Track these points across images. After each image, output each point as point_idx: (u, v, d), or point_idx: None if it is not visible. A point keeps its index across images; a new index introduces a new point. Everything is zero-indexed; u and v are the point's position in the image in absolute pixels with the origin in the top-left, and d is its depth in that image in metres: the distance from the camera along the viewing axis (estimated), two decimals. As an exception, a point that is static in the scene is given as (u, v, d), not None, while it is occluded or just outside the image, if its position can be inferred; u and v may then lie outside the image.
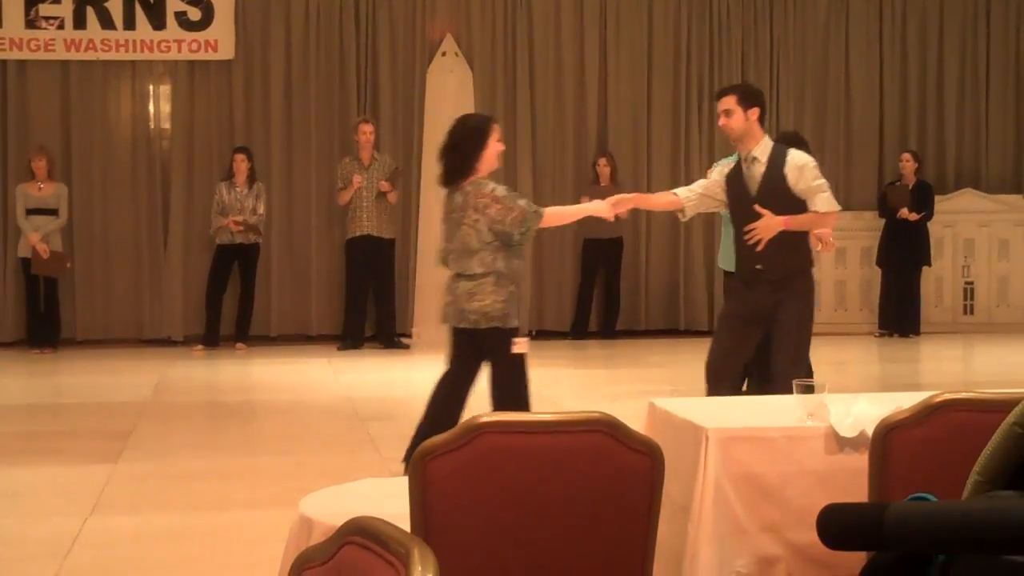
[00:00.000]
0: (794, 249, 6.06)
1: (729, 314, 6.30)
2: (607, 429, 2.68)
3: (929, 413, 2.99)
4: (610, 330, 13.27)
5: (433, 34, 13.35)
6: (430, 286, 13.16)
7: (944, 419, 2.94)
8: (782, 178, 6.01)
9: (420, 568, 1.54)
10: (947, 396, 3.00)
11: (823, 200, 6.03)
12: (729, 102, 6.19)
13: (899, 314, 13.29)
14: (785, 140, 7.50)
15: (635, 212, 13.58)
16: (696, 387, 8.63)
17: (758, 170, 6.09)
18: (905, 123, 14.24)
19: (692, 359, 8.24)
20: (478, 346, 6.06)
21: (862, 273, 13.74)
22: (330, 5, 13.15)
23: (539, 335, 13.34)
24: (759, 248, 5.96)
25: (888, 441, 3.01)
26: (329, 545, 1.81)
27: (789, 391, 3.88)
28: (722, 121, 6.21)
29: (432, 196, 13.20)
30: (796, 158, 6.08)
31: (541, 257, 13.48)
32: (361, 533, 1.72)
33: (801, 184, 6.00)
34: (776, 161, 6.08)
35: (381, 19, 13.22)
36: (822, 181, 6.10)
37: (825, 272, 13.69)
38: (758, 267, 6.03)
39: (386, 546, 1.63)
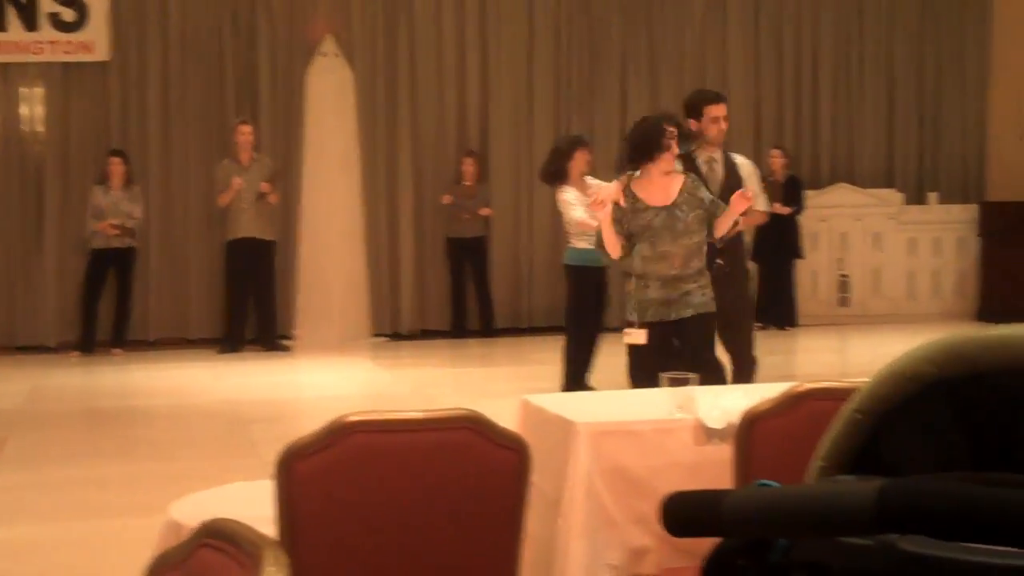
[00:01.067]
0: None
1: None
2: (473, 426, 2.69)
3: (791, 403, 3.05)
4: (488, 328, 13.29)
5: (313, 34, 13.25)
6: (312, 288, 13.11)
7: (805, 408, 3.00)
8: (739, 179, 6.39)
9: (272, 568, 1.54)
10: (807, 386, 3.06)
11: (762, 201, 6.48)
12: (724, 109, 6.76)
13: (775, 307, 13.51)
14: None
15: (518, 209, 13.65)
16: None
17: (719, 171, 6.42)
18: (781, 119, 14.48)
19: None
20: None
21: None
22: (208, 5, 12.97)
23: (422, 335, 13.35)
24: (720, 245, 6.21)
25: (752, 431, 3.07)
26: (184, 547, 1.79)
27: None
28: (723, 126, 6.72)
29: (313, 197, 13.15)
30: (743, 161, 6.49)
31: (422, 257, 13.46)
32: (215, 535, 1.71)
33: (750, 185, 6.36)
34: (729, 163, 6.48)
35: (260, 19, 13.08)
36: None
37: (704, 267, 13.89)
38: (719, 262, 6.26)
39: (239, 547, 1.62)
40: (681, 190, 5.96)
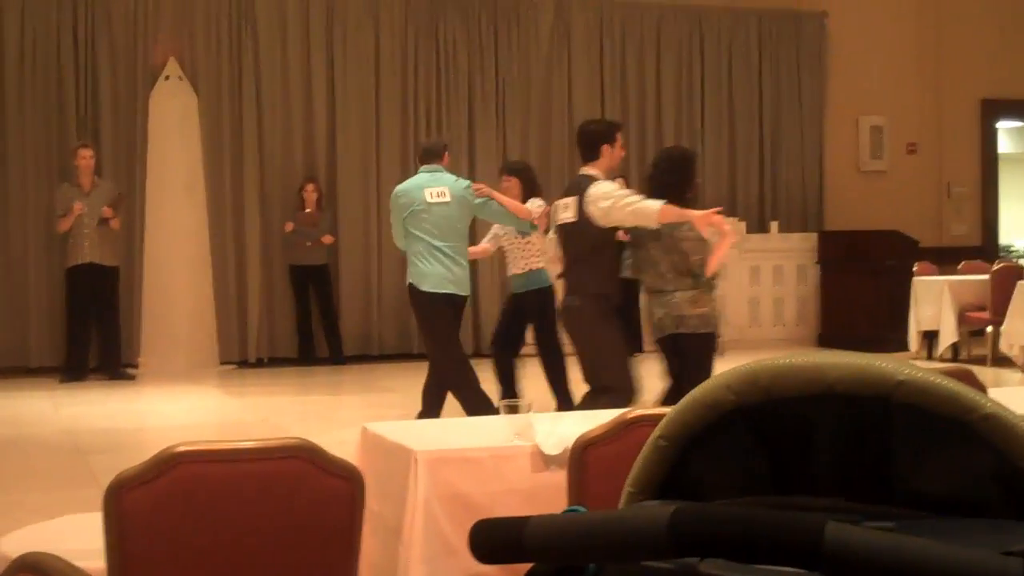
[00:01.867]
0: None
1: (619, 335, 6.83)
2: (305, 455, 2.68)
3: (622, 429, 3.10)
4: (337, 355, 13.21)
5: (156, 57, 13.06)
6: (157, 315, 12.89)
7: (638, 434, 3.05)
8: None
9: (86, 602, 1.52)
10: (638, 412, 3.12)
11: None
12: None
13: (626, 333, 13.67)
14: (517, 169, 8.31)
15: (367, 235, 13.59)
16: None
17: None
18: (626, 148, 14.67)
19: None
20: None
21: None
22: (46, 25, 12.69)
23: (270, 362, 13.22)
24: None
25: (584, 457, 3.12)
26: (-1, 583, 1.76)
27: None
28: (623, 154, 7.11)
29: (158, 222, 12.95)
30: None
31: (270, 284, 13.34)
32: (31, 569, 1.69)
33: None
34: None
35: (101, 41, 12.85)
36: None
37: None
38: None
39: (53, 581, 1.60)
40: None
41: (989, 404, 1.32)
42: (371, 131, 13.71)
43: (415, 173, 8.64)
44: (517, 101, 14.21)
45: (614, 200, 6.44)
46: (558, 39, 14.42)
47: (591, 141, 6.80)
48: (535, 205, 8.41)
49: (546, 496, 3.57)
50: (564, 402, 8.55)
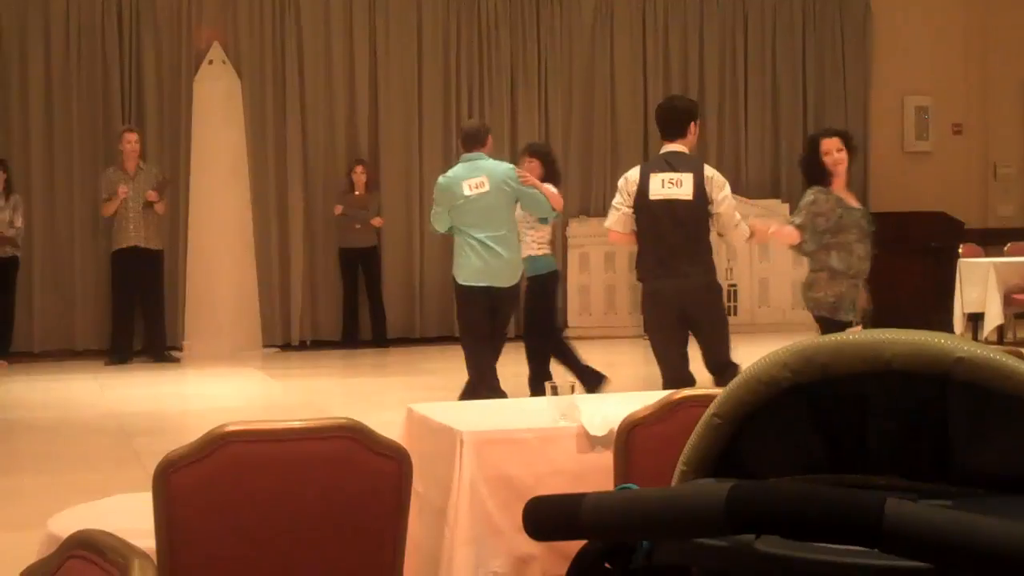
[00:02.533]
0: None
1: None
2: (352, 435, 2.69)
3: (668, 410, 3.09)
4: (381, 338, 13.24)
5: (200, 42, 13.11)
6: (201, 298, 12.97)
7: (683, 414, 3.05)
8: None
9: (140, 578, 1.53)
10: (684, 393, 3.11)
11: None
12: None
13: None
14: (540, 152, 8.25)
15: (410, 218, 13.62)
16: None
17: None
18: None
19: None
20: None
21: (630, 277, 14.02)
22: (91, 12, 12.77)
23: (313, 345, 13.27)
24: None
25: (631, 438, 3.11)
26: (53, 559, 1.77)
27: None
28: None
29: (202, 206, 13.01)
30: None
31: (313, 267, 13.39)
32: (83, 546, 1.70)
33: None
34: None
35: (145, 26, 12.92)
36: None
37: (595, 276, 14.01)
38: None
39: (107, 558, 1.61)
40: None
41: (1050, 381, 1.31)
42: (414, 113, 13.72)
43: (457, 156, 8.62)
44: (560, 81, 14.18)
45: (729, 197, 6.56)
46: (601, 18, 14.37)
47: (679, 118, 6.69)
48: (553, 191, 8.41)
49: (592, 477, 3.56)
50: (589, 379, 8.60)
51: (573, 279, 13.99)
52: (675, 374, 6.54)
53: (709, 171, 6.58)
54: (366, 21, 13.55)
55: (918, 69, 15.30)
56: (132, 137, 12.09)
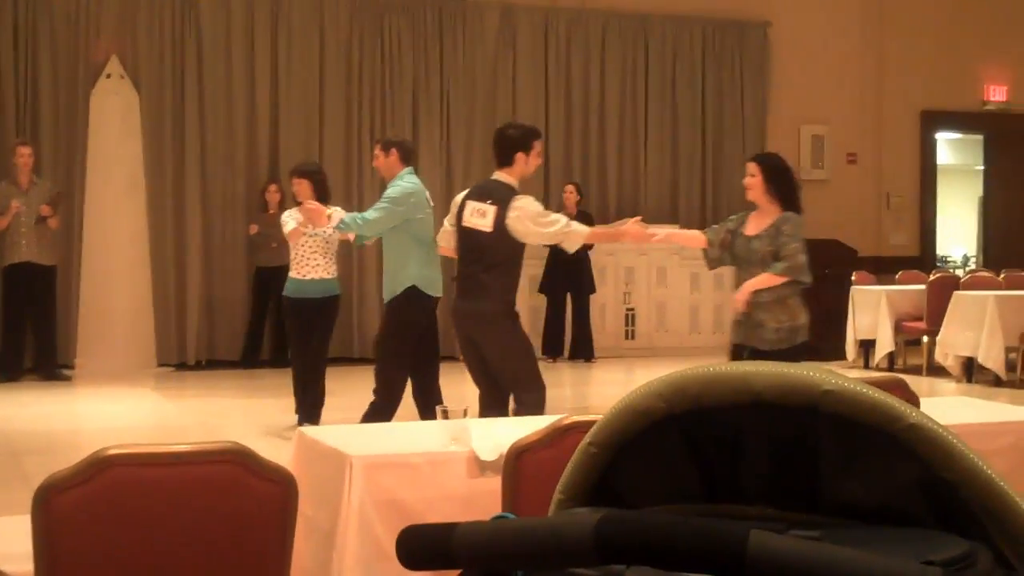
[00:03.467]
0: None
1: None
2: (238, 459, 2.66)
3: (557, 435, 3.11)
4: (281, 358, 13.11)
5: (98, 55, 12.93)
6: (95, 315, 12.75)
7: (572, 440, 3.05)
8: None
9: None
10: (573, 418, 3.13)
11: None
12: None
13: (573, 340, 13.79)
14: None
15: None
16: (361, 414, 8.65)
17: None
18: (569, 155, 14.73)
19: (363, 386, 8.25)
20: None
21: (531, 300, 14.07)
22: (-15, 21, 12.55)
23: (208, 365, 13.12)
24: None
25: (519, 463, 3.12)
26: (-80, 587, 1.73)
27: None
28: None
29: (97, 221, 12.81)
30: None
31: (211, 285, 13.24)
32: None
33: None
34: None
35: (42, 38, 12.71)
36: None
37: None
38: None
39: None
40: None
41: (914, 414, 1.33)
42: (315, 131, 13.65)
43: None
44: (462, 103, 14.21)
45: (522, 212, 6.45)
46: (503, 42, 14.43)
47: (507, 147, 6.67)
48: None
49: (482, 502, 3.56)
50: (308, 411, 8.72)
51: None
52: (482, 395, 6.75)
53: (519, 203, 6.48)
54: (267, 36, 13.46)
55: (814, 98, 15.57)
56: (25, 151, 11.86)
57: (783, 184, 6.77)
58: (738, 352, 6.70)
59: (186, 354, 13.11)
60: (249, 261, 13.19)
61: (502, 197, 6.50)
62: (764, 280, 6.50)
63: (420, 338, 7.99)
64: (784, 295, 6.54)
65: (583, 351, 13.83)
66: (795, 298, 6.61)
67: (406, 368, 7.90)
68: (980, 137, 17.81)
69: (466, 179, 14.17)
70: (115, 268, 12.90)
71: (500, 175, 6.63)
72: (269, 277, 13.00)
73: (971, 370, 12.01)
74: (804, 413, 1.38)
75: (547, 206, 13.82)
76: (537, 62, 14.55)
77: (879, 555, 1.15)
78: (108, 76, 12.92)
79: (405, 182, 7.90)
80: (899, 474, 1.37)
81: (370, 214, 7.93)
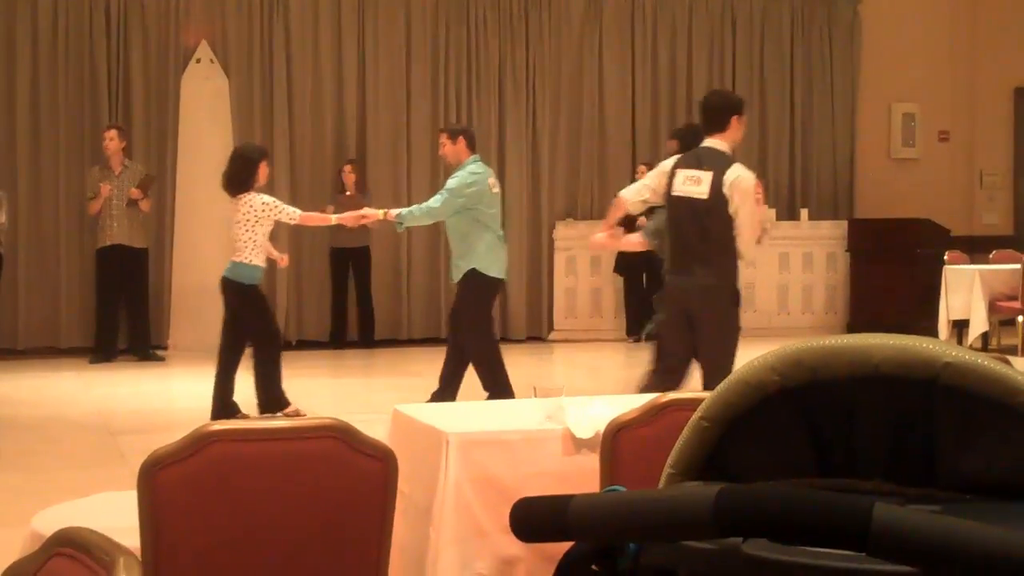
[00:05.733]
0: None
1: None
2: (338, 435, 2.68)
3: (655, 413, 3.09)
4: (368, 339, 13.23)
5: (188, 40, 13.08)
6: (186, 296, 12.92)
7: (669, 418, 3.05)
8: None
9: (124, 574, 1.52)
10: (670, 396, 3.11)
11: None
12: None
13: (646, 320, 13.63)
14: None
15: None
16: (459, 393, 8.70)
17: None
18: (655, 135, 14.64)
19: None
20: None
21: (616, 280, 14.02)
22: (79, 10, 12.73)
23: (299, 345, 13.24)
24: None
25: (617, 440, 3.11)
26: (37, 557, 1.77)
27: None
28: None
29: (187, 205, 12.97)
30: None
31: (300, 266, 13.36)
32: (68, 543, 1.69)
33: None
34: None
35: (133, 24, 12.89)
36: None
37: (581, 280, 14.01)
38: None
39: (92, 555, 1.61)
40: None
41: (1036, 387, 1.31)
42: (401, 116, 13.71)
43: (434, 157, 8.85)
44: (547, 83, 14.18)
45: (749, 203, 6.20)
46: (589, 23, 14.37)
47: (722, 110, 6.43)
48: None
49: (577, 480, 3.56)
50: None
51: (559, 282, 14.00)
52: (665, 370, 6.43)
53: (734, 172, 6.24)
54: (355, 22, 13.53)
55: (905, 76, 15.34)
56: (113, 134, 12.00)
57: None
58: None
59: (276, 335, 13.23)
60: (325, 242, 13.29)
61: (717, 163, 6.25)
62: None
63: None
64: None
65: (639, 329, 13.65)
66: None
67: (489, 339, 8.15)
68: (1076, 113, 17.43)
69: (552, 162, 14.17)
70: (206, 250, 13.03)
71: (712, 141, 6.34)
72: (347, 257, 13.10)
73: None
74: (923, 386, 1.36)
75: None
76: (624, 42, 14.48)
77: (1004, 529, 1.13)
78: (198, 61, 13.07)
79: (468, 171, 8.24)
80: (1019, 448, 1.34)
81: (430, 204, 8.31)
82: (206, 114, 13.09)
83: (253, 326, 8.66)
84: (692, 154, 6.48)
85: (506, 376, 8.25)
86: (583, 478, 3.51)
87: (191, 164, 12.96)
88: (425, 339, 13.42)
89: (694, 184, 6.26)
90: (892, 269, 14.09)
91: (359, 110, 13.60)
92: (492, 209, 8.31)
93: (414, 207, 8.56)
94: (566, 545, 1.39)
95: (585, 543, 1.39)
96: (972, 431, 1.36)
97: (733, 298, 6.37)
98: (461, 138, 8.51)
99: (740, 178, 6.21)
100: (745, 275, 14.15)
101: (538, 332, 13.96)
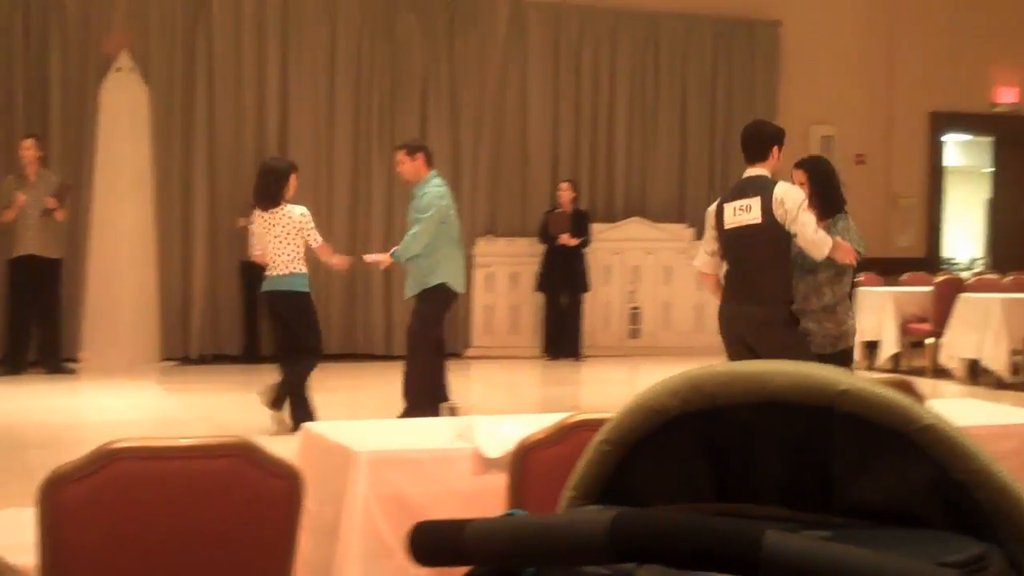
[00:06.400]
0: None
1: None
2: (244, 453, 2.65)
3: (564, 433, 3.09)
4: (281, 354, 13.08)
5: (108, 49, 12.92)
6: (100, 309, 12.74)
7: (578, 438, 3.04)
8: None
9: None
10: (580, 416, 3.11)
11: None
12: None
13: (563, 338, 13.69)
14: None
15: (319, 232, 13.47)
16: (372, 410, 8.68)
17: None
18: (578, 153, 14.71)
19: (369, 383, 8.30)
20: None
21: (535, 297, 14.06)
22: (-4, 11, 12.55)
23: (214, 359, 13.11)
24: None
25: (526, 460, 3.10)
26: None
27: None
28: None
29: (104, 215, 12.79)
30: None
31: (216, 280, 13.22)
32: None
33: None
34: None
35: (53, 32, 12.70)
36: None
37: (500, 296, 14.01)
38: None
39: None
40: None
41: (929, 416, 1.32)
42: (323, 128, 13.64)
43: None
44: (471, 102, 14.18)
45: (803, 212, 6.25)
46: (514, 41, 14.41)
47: (764, 140, 6.55)
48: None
49: (486, 499, 3.55)
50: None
51: (478, 298, 13.98)
52: None
53: (780, 190, 6.34)
54: (278, 33, 13.44)
55: (824, 99, 15.55)
56: (28, 143, 11.83)
57: (831, 189, 6.76)
58: None
59: (190, 348, 13.10)
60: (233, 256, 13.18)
61: (763, 188, 6.35)
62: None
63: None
64: (832, 304, 6.51)
65: (571, 350, 13.72)
66: (843, 305, 6.58)
67: (433, 355, 8.24)
68: (989, 139, 17.78)
69: (474, 178, 14.17)
70: (121, 262, 12.89)
71: (754, 170, 6.46)
72: (259, 271, 12.96)
73: (975, 372, 11.99)
74: (819, 413, 1.37)
75: (555, 204, 13.75)
76: (547, 60, 14.53)
77: (897, 556, 1.14)
78: (119, 70, 12.91)
79: (434, 185, 8.28)
80: (913, 475, 1.36)
81: (414, 232, 8.42)
82: (125, 124, 12.94)
83: (300, 335, 8.82)
84: (735, 188, 6.63)
85: (432, 397, 8.20)
86: (492, 498, 3.50)
87: (109, 174, 12.80)
88: (342, 354, 13.34)
89: (745, 212, 6.36)
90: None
91: (281, 122, 13.51)
92: (455, 223, 8.56)
93: (403, 242, 8.59)
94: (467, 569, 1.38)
95: (482, 568, 1.38)
96: (868, 458, 1.37)
97: (788, 321, 6.44)
98: (420, 154, 8.56)
99: (788, 189, 6.35)
100: (663, 293, 14.39)
101: (455, 348, 13.93)
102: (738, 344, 6.46)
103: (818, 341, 6.43)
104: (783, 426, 1.39)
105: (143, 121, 12.97)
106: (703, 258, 6.69)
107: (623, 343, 14.38)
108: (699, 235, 14.61)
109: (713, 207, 6.64)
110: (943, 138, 16.79)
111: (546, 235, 13.61)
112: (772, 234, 6.27)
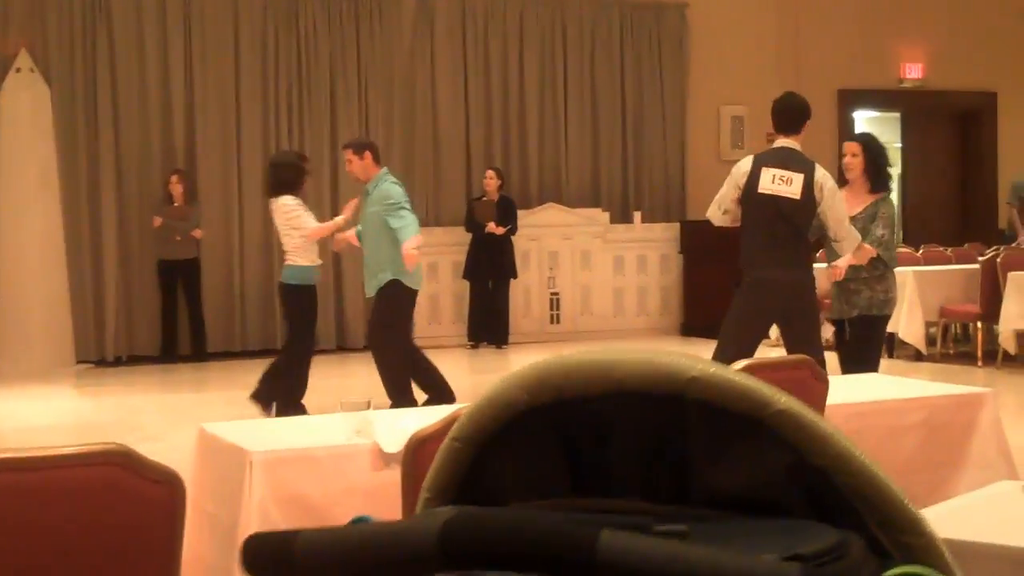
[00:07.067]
0: None
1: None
2: (120, 460, 2.56)
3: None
4: (201, 352, 12.96)
5: (7, 49, 12.67)
6: (10, 313, 12.51)
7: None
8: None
9: None
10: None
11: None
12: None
13: (489, 325, 13.69)
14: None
15: (228, 229, 13.34)
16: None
17: None
18: (490, 141, 14.66)
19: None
20: None
21: (454, 286, 14.02)
22: None
23: (129, 361, 12.93)
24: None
25: (419, 454, 3.04)
26: None
27: None
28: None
29: (9, 218, 12.55)
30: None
31: (128, 280, 13.04)
32: None
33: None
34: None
35: (-52, 32, 12.45)
36: None
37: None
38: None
39: None
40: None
41: (783, 400, 1.28)
42: (231, 123, 13.47)
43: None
44: (380, 92, 14.07)
45: (840, 203, 6.51)
46: (420, 29, 14.31)
47: (800, 114, 6.73)
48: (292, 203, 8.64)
49: (387, 495, 3.48)
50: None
51: (397, 289, 13.89)
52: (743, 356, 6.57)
53: (820, 174, 6.52)
54: (180, 26, 13.25)
55: (733, 80, 15.61)
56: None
57: (881, 165, 6.94)
58: (840, 329, 7.02)
59: (105, 350, 12.90)
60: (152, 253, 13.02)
61: (805, 165, 6.49)
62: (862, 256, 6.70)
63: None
64: (882, 272, 6.89)
65: (498, 336, 13.76)
66: (891, 273, 6.99)
67: (405, 352, 8.27)
68: (897, 115, 17.96)
69: (386, 163, 14.03)
70: (29, 265, 12.66)
71: (791, 142, 6.59)
72: (175, 269, 12.84)
73: (892, 346, 12.09)
74: (671, 401, 1.33)
75: (469, 192, 13.77)
76: (455, 47, 14.46)
77: (737, 553, 1.10)
78: (18, 70, 12.67)
79: (390, 182, 8.35)
80: (771, 462, 1.32)
81: (403, 222, 8.23)
82: (27, 125, 12.70)
83: (294, 325, 8.69)
84: (774, 154, 6.71)
85: (411, 387, 8.39)
86: (392, 493, 3.43)
87: (12, 176, 12.56)
88: (261, 351, 13.19)
89: (785, 184, 6.47)
90: (724, 269, 14.27)
91: (187, 118, 13.32)
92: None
93: (402, 232, 8.24)
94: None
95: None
96: (723, 446, 1.34)
97: (814, 286, 6.76)
98: (368, 152, 8.48)
99: (827, 175, 6.58)
100: (582, 278, 14.40)
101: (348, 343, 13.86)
102: (767, 316, 6.77)
103: (862, 302, 6.88)
104: (636, 416, 1.35)
105: (46, 121, 12.74)
106: (717, 215, 6.81)
107: (544, 329, 14.38)
108: (614, 219, 14.72)
109: (747, 165, 6.69)
110: (853, 115, 16.92)
111: (472, 223, 13.58)
112: (808, 212, 6.49)
